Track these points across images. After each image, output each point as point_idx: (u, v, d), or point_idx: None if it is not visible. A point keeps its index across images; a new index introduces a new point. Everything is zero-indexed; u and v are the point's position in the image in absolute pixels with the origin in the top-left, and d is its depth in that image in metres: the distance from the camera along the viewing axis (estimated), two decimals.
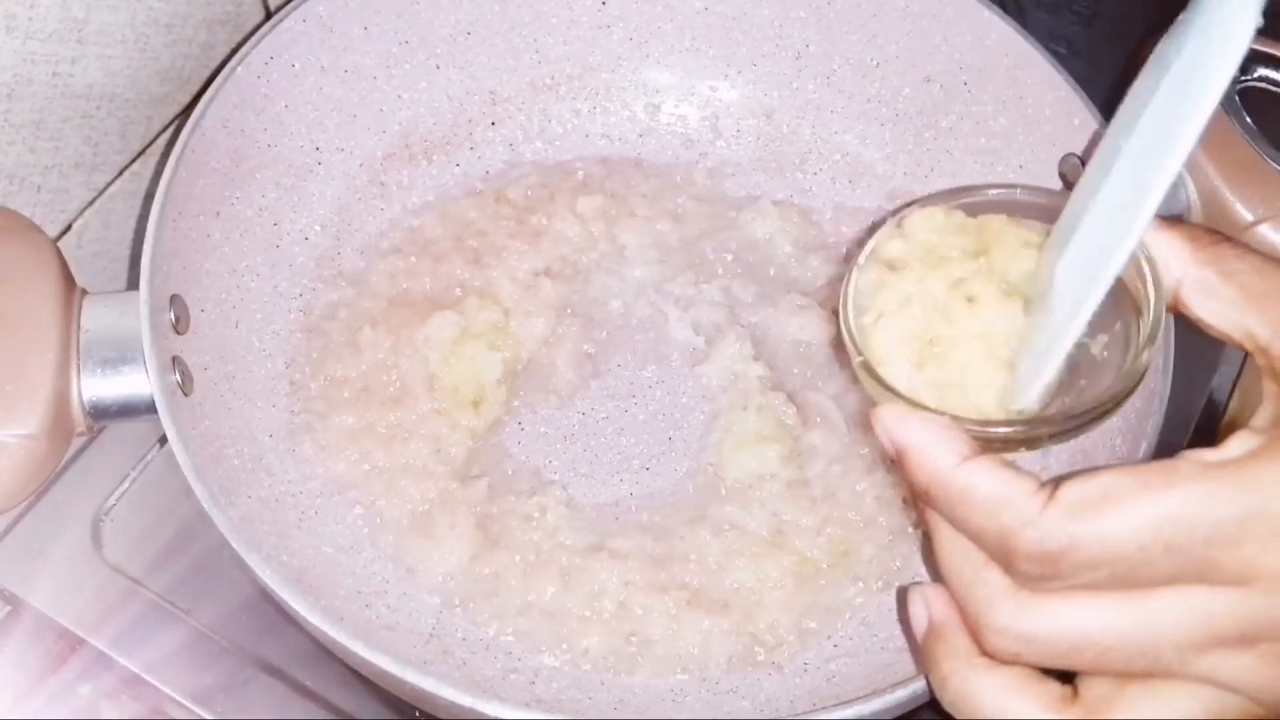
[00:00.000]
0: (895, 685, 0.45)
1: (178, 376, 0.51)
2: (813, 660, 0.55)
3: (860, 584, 0.56)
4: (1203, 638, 0.32)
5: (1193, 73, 0.33)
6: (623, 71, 0.68)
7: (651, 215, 0.65)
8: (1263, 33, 0.33)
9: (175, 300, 0.53)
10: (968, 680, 0.36)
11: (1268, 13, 0.33)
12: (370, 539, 0.57)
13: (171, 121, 0.63)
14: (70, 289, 0.50)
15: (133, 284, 0.51)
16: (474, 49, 0.66)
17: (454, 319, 0.60)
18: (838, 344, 0.60)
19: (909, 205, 0.42)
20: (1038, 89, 0.59)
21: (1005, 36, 0.59)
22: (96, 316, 0.50)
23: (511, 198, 0.65)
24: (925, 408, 0.37)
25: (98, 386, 0.49)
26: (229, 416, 0.56)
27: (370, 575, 0.56)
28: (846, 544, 0.56)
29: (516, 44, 0.66)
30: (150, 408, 0.49)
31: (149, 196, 0.59)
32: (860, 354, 0.39)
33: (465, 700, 0.44)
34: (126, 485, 0.62)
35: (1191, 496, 0.32)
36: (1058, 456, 0.56)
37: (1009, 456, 0.37)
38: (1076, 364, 0.38)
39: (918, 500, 0.37)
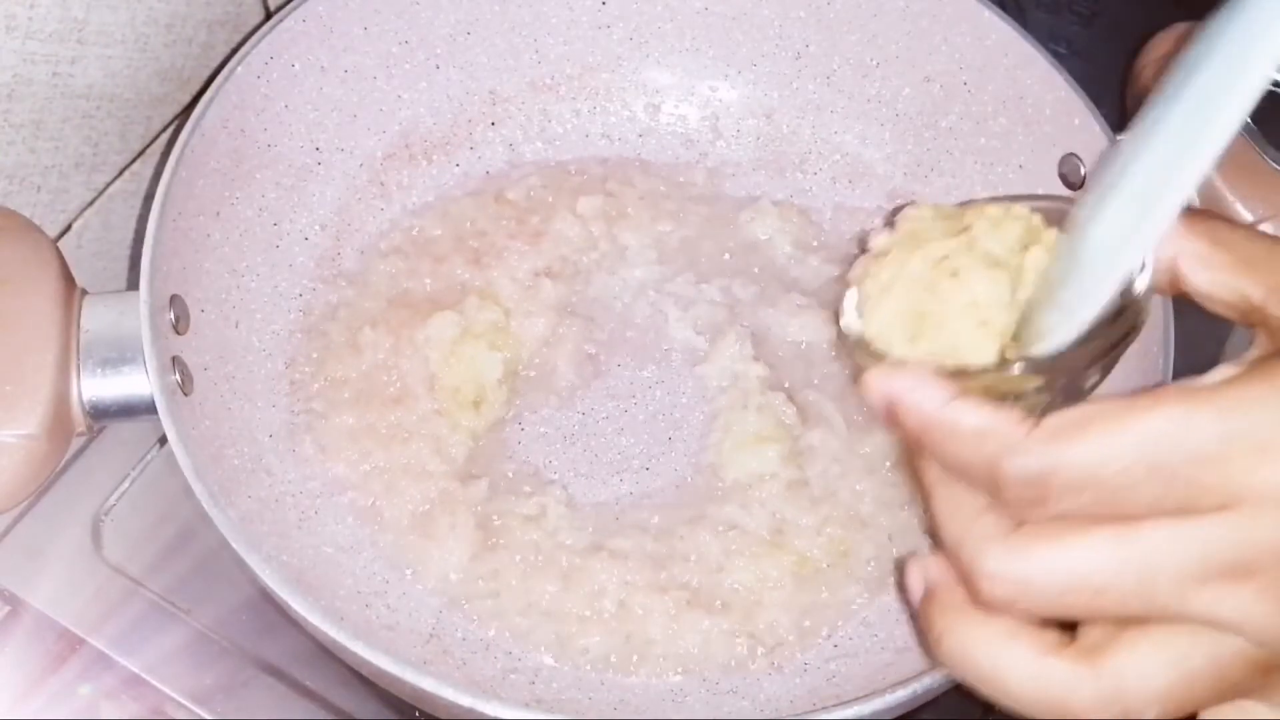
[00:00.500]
0: (895, 685, 0.45)
1: (178, 376, 0.51)
2: (813, 660, 0.55)
3: (860, 584, 0.56)
4: (1196, 569, 0.32)
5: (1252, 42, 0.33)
6: (623, 71, 0.68)
7: (652, 215, 0.65)
8: None
9: (175, 300, 0.53)
10: (962, 632, 0.36)
11: None
12: (370, 539, 0.57)
13: (171, 121, 0.63)
14: (70, 289, 0.50)
15: (133, 284, 0.51)
16: (474, 49, 0.66)
17: (454, 319, 0.60)
18: (838, 344, 0.60)
19: (905, 207, 0.43)
20: (1038, 89, 0.59)
21: (1005, 36, 0.59)
22: (96, 316, 0.50)
23: (511, 198, 0.65)
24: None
25: (98, 386, 0.49)
26: (229, 416, 0.56)
27: (370, 575, 0.56)
28: (846, 544, 0.56)
29: (516, 44, 0.66)
30: (150, 408, 0.49)
31: (149, 196, 0.59)
32: (853, 335, 0.40)
33: (465, 700, 0.44)
34: (126, 485, 0.62)
35: (1174, 416, 0.32)
36: None
37: None
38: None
39: (913, 458, 0.37)
